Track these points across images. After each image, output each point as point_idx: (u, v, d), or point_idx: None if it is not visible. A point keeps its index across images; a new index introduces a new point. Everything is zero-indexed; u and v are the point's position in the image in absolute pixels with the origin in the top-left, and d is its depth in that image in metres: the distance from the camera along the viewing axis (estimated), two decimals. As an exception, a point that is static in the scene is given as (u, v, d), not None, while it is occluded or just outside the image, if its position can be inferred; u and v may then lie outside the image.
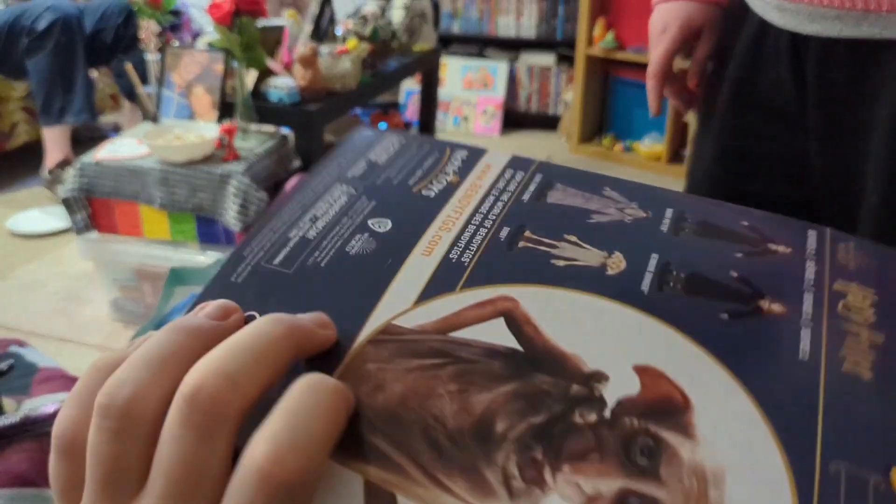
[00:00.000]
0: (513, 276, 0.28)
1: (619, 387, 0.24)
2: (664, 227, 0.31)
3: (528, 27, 3.74)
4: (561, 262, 0.29)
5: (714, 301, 0.27)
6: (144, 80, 2.16)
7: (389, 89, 2.90)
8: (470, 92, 3.79)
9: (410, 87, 3.67)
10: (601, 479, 0.22)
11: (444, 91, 3.70)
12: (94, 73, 2.94)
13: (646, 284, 0.28)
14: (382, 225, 0.31)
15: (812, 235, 0.31)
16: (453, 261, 0.29)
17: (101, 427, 0.22)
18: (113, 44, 2.80)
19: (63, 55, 2.61)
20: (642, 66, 3.22)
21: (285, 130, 1.92)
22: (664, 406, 0.23)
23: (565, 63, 3.71)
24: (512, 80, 3.81)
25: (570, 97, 3.58)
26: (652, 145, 3.31)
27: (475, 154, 0.36)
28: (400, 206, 0.32)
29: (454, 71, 3.81)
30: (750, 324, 0.26)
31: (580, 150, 3.47)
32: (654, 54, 0.87)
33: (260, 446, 0.21)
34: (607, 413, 0.23)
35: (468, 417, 0.23)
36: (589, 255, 0.29)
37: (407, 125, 3.03)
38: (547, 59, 3.75)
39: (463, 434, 0.23)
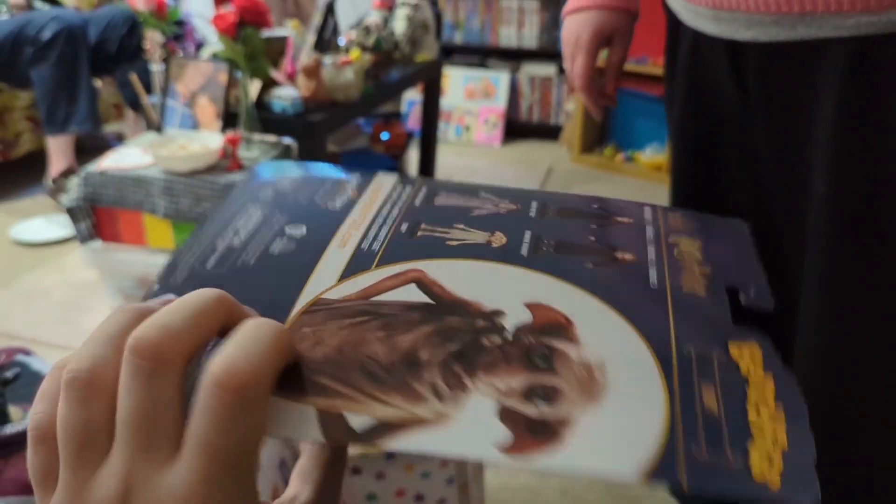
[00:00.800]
0: (417, 255, 0.34)
1: (515, 318, 0.30)
2: (532, 214, 0.39)
3: (529, 37, 3.76)
4: (454, 242, 0.36)
5: (579, 256, 0.35)
6: (148, 89, 2.17)
7: (392, 99, 2.91)
8: (472, 102, 3.81)
9: (412, 97, 3.69)
10: (511, 378, 0.27)
11: (446, 101, 3.72)
12: (98, 83, 2.96)
13: (524, 250, 0.35)
14: (298, 230, 0.36)
15: (647, 209, 0.40)
16: (365, 250, 0.35)
17: (68, 399, 0.25)
18: (117, 54, 2.82)
19: (67, 65, 2.62)
20: (644, 77, 3.26)
21: (288, 140, 1.93)
22: (552, 326, 0.30)
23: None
24: (513, 90, 3.82)
25: (571, 107, 3.59)
26: (653, 155, 3.33)
27: (368, 176, 0.43)
28: (311, 216, 0.38)
29: (456, 81, 3.82)
30: (610, 268, 0.34)
31: (581, 159, 3.48)
32: (576, 67, 0.90)
33: (215, 362, 0.24)
34: (508, 336, 0.29)
35: (397, 353, 0.28)
36: (475, 236, 0.36)
37: (409, 135, 3.04)
38: (548, 69, 3.77)
39: (394, 365, 0.28)
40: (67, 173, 2.64)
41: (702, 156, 0.84)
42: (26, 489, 0.79)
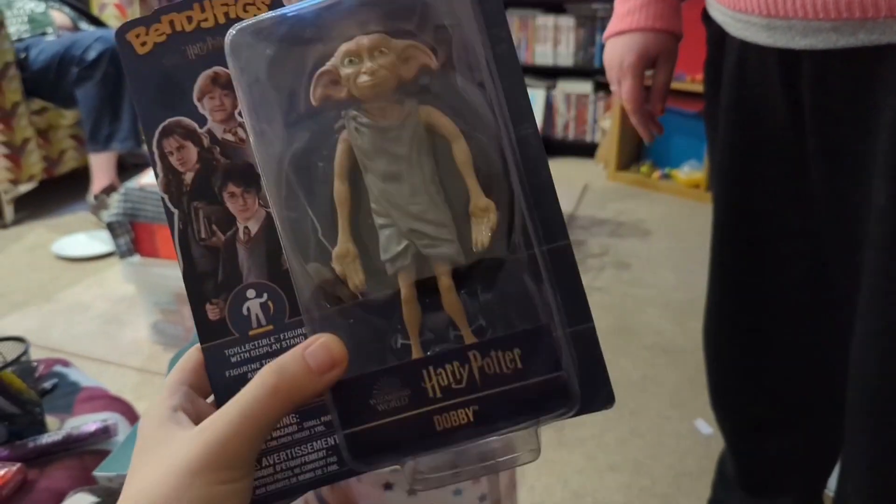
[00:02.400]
0: None
1: None
2: None
3: (565, 55, 3.75)
4: None
5: None
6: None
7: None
8: (507, 120, 3.81)
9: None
10: None
11: (482, 119, 3.73)
12: (140, 102, 3.01)
13: None
14: None
15: None
16: None
17: None
18: (159, 73, 2.87)
19: (111, 84, 2.68)
20: (681, 94, 3.23)
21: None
22: None
23: (602, 90, 3.71)
24: (549, 108, 3.82)
25: (607, 124, 3.57)
26: (691, 173, 3.29)
27: None
28: None
29: (491, 99, 3.83)
30: None
31: (618, 177, 3.45)
32: (624, 92, 0.89)
33: None
34: None
35: None
36: None
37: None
38: (584, 86, 3.75)
39: None
40: (109, 190, 2.69)
41: (748, 170, 0.81)
42: (60, 498, 0.80)
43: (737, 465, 0.99)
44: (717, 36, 0.81)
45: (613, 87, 0.91)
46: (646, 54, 0.87)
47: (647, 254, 2.66)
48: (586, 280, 2.43)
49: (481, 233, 0.33)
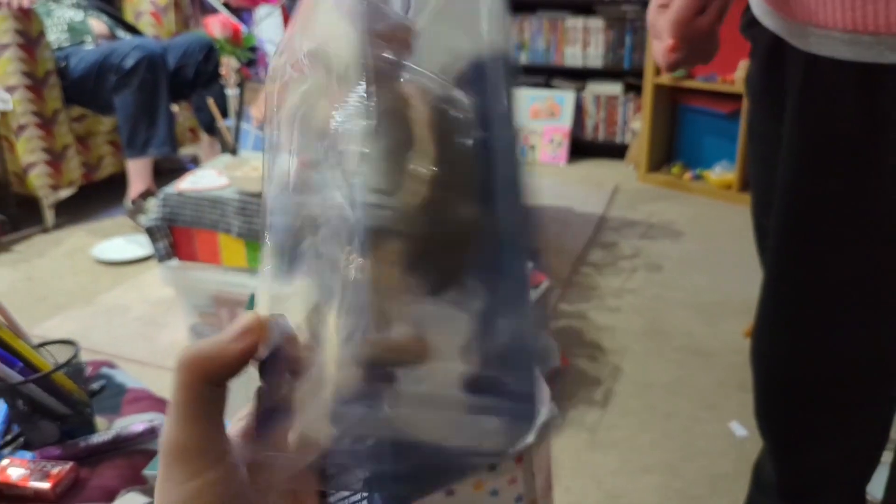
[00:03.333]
0: None
1: None
2: None
3: (594, 57, 3.75)
4: None
5: None
6: (224, 113, 2.25)
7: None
8: (536, 121, 3.81)
9: (477, 118, 3.72)
10: None
11: (511, 121, 3.73)
12: (175, 108, 3.07)
13: None
14: None
15: None
16: None
17: None
18: (194, 79, 2.93)
19: (148, 91, 2.74)
20: (712, 94, 3.21)
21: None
22: None
23: (632, 92, 3.70)
24: (579, 110, 3.81)
25: (637, 126, 3.56)
26: (722, 173, 3.26)
27: None
28: None
29: (520, 101, 3.83)
30: None
31: (648, 178, 3.44)
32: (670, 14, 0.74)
33: None
34: None
35: None
36: None
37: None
38: (614, 87, 3.75)
39: None
40: (146, 195, 2.75)
41: (816, 188, 0.78)
42: (111, 497, 0.82)
43: (780, 475, 0.99)
44: (771, 47, 0.78)
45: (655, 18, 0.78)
46: None
47: (678, 256, 2.65)
48: (618, 282, 2.43)
49: None
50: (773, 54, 0.78)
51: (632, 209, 3.12)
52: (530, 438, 1.01)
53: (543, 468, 1.08)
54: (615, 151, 3.79)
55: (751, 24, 0.82)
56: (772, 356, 0.92)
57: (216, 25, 2.27)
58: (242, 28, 2.35)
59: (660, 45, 0.77)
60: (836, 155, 0.74)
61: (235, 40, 2.13)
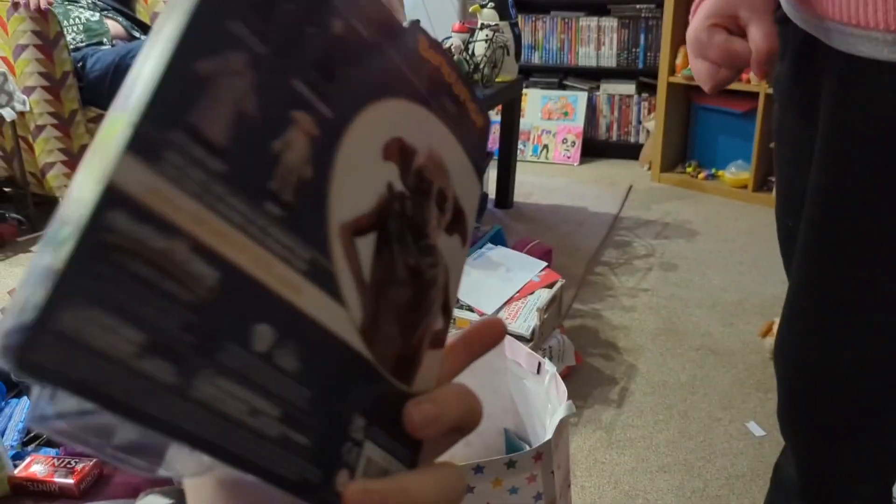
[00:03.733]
0: None
1: None
2: None
3: (608, 56, 3.74)
4: None
5: None
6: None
7: (471, 120, 2.95)
8: (550, 121, 3.81)
9: (491, 117, 3.72)
10: None
11: (524, 120, 3.73)
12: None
13: None
14: None
15: None
16: None
17: None
18: (209, 80, 2.94)
19: (163, 92, 2.76)
20: (727, 93, 3.20)
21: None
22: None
23: (646, 91, 3.69)
24: (592, 109, 3.81)
25: (651, 125, 3.55)
26: (738, 173, 3.25)
27: None
28: None
29: (534, 101, 3.83)
30: None
31: (663, 178, 3.43)
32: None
33: None
34: None
35: None
36: None
37: (488, 154, 3.06)
38: (627, 87, 3.74)
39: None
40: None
41: (852, 191, 0.77)
42: (135, 493, 0.83)
43: (803, 477, 0.98)
44: (802, 46, 0.77)
45: (695, 65, 0.77)
46: (711, 14, 0.73)
47: (693, 255, 2.64)
48: (633, 281, 2.42)
49: None
50: (804, 54, 0.77)
51: (646, 209, 3.11)
52: (549, 435, 1.01)
53: (562, 466, 1.08)
54: (629, 151, 3.78)
55: (780, 21, 0.81)
56: (797, 358, 0.91)
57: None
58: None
59: (704, 67, 0.75)
60: (874, 158, 0.73)
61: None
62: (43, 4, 2.62)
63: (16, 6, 2.58)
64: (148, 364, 0.20)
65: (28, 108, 2.65)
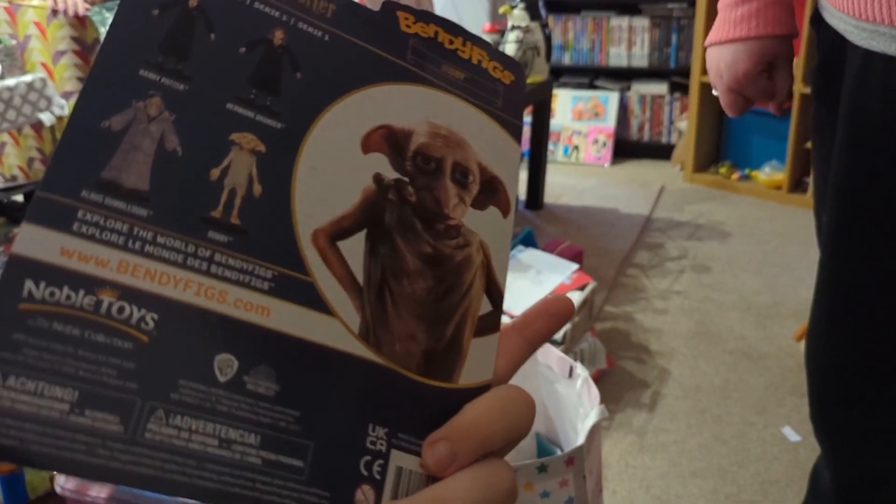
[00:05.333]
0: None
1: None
2: None
3: (639, 56, 3.71)
4: None
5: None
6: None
7: (501, 121, 2.94)
8: (580, 122, 3.79)
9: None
10: None
11: (555, 121, 3.72)
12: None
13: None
14: None
15: None
16: None
17: None
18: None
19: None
20: (761, 93, 3.15)
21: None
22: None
23: (678, 91, 3.65)
24: (623, 110, 3.78)
25: (683, 125, 3.52)
26: (772, 174, 3.21)
27: None
28: None
29: (564, 102, 3.82)
30: None
31: (696, 178, 3.40)
32: (730, 102, 0.88)
33: None
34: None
35: None
36: None
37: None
38: (660, 87, 3.70)
39: None
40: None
41: (869, 186, 0.77)
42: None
43: (837, 482, 0.97)
44: (834, 43, 0.78)
45: (717, 93, 0.89)
46: (762, 61, 0.83)
47: (727, 257, 2.61)
48: (665, 283, 2.40)
49: None
50: (834, 50, 0.78)
51: (678, 210, 3.08)
52: (581, 440, 1.01)
53: (594, 470, 1.08)
54: (661, 152, 3.75)
55: (815, 18, 0.81)
56: (826, 359, 0.91)
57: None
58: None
59: (739, 100, 0.88)
60: (886, 151, 0.74)
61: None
62: (81, 11, 2.67)
63: (55, 13, 2.63)
64: (85, 419, 0.20)
65: (66, 113, 2.70)
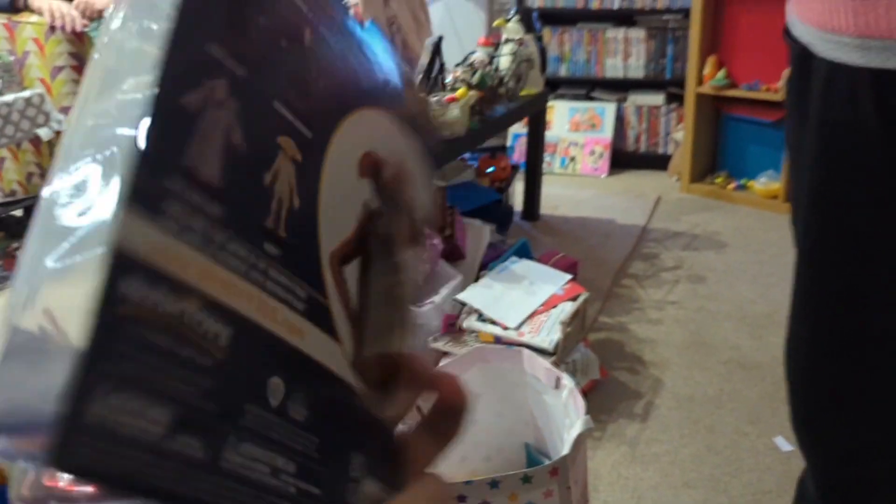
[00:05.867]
0: None
1: None
2: None
3: (635, 67, 3.73)
4: None
5: None
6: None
7: (497, 134, 2.95)
8: (577, 133, 3.81)
9: (517, 130, 3.73)
10: None
11: (551, 133, 3.73)
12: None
13: None
14: None
15: None
16: None
17: None
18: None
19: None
20: (756, 103, 3.17)
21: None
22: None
23: (674, 102, 3.67)
24: (620, 121, 3.79)
25: (680, 136, 3.53)
26: (768, 183, 3.21)
27: None
28: None
29: (561, 113, 3.83)
30: None
31: (692, 189, 3.40)
32: None
33: None
34: None
35: None
36: None
37: (514, 167, 3.06)
38: (656, 98, 3.72)
39: None
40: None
41: (840, 194, 0.78)
42: None
43: (822, 493, 0.97)
44: (801, 55, 0.79)
45: None
46: None
47: (722, 267, 2.61)
48: (660, 294, 2.40)
49: None
50: (803, 61, 0.79)
51: (674, 220, 3.09)
52: (566, 450, 1.01)
53: (580, 481, 1.08)
54: (657, 162, 3.76)
55: (786, 30, 0.83)
56: (808, 366, 0.91)
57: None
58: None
59: None
60: (856, 161, 0.75)
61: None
62: (79, 27, 2.69)
63: (53, 29, 2.65)
64: (177, 443, 0.18)
65: (64, 128, 2.72)
